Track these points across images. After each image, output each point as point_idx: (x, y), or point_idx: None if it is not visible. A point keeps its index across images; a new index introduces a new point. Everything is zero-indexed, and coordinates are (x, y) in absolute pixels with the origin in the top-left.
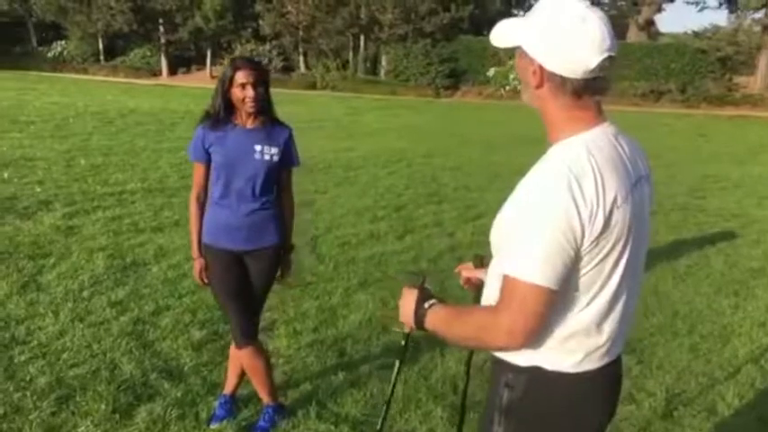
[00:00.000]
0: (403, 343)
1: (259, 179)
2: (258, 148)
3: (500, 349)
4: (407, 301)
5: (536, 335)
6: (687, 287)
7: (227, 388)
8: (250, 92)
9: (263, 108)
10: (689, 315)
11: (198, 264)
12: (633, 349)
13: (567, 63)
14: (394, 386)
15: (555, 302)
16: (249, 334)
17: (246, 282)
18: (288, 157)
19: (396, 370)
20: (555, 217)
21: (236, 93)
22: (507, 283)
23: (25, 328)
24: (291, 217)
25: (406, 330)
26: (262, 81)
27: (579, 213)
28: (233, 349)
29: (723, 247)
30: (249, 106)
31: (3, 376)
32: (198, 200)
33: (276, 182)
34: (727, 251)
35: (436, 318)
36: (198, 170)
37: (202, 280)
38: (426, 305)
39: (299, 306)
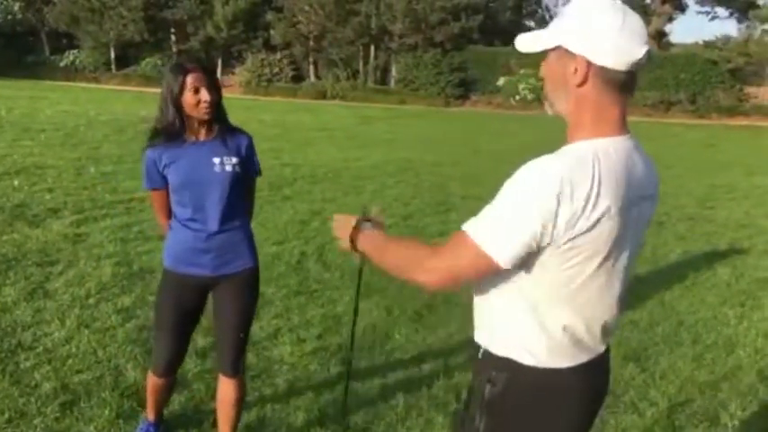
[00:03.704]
0: (359, 269)
1: (224, 195)
2: (217, 160)
3: (415, 282)
4: (346, 222)
5: (448, 288)
6: (693, 297)
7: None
8: (206, 95)
9: (218, 115)
10: (694, 325)
11: None
12: (637, 358)
13: (617, 55)
14: (354, 323)
15: (488, 275)
16: (172, 370)
17: (196, 316)
18: (250, 167)
19: (356, 299)
20: (536, 202)
21: (188, 99)
22: (458, 235)
23: (32, 334)
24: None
25: (355, 260)
26: (215, 84)
27: (559, 210)
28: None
29: (730, 257)
30: (204, 112)
31: (8, 381)
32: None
33: (243, 196)
34: (735, 262)
35: (371, 240)
36: (157, 198)
37: None
38: (363, 227)
39: (303, 313)
